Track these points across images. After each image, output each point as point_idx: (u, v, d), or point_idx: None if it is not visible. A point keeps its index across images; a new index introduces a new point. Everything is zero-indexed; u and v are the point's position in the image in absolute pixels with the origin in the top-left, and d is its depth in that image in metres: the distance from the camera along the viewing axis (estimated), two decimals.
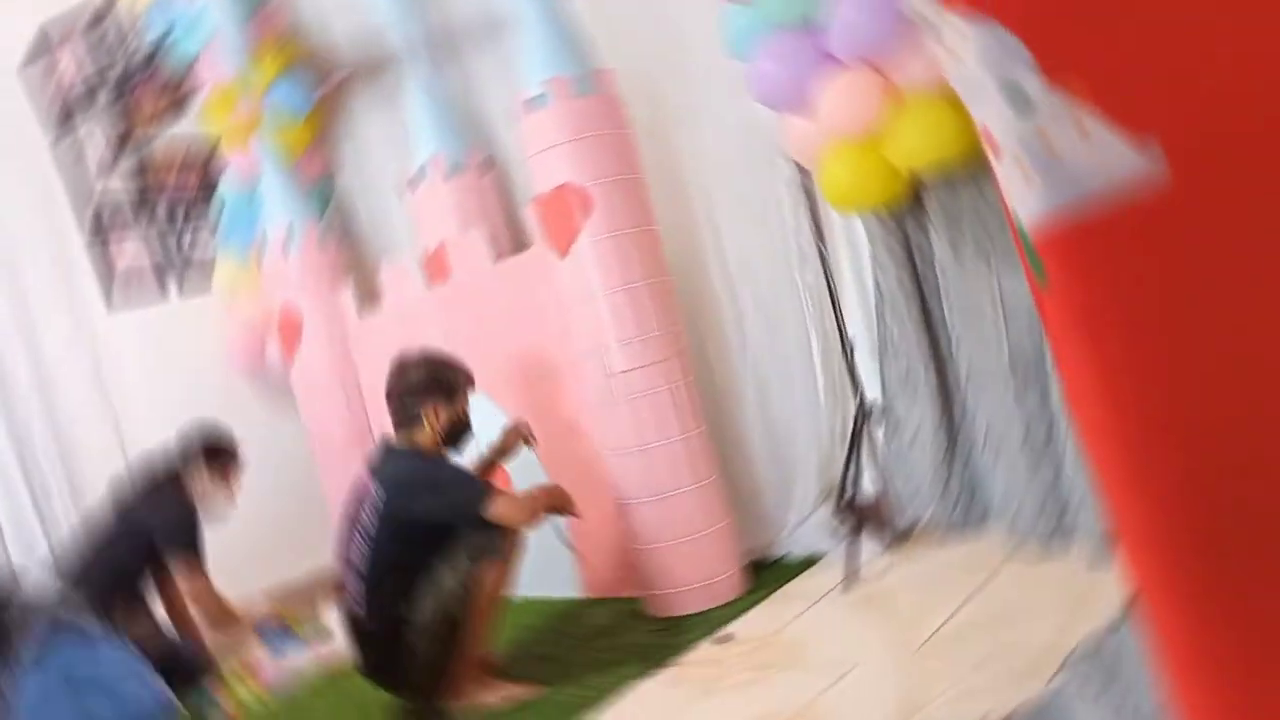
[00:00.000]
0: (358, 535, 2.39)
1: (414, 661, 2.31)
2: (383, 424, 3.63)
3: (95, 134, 3.99)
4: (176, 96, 4.11)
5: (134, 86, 4.03)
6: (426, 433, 2.43)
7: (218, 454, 3.03)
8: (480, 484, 2.40)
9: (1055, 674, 1.73)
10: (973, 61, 0.56)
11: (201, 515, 2.96)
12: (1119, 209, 0.55)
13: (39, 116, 3.89)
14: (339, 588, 2.48)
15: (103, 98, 4.02)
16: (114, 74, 4.02)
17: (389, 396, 2.48)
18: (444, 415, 2.44)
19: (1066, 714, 1.60)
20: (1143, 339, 0.57)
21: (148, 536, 2.85)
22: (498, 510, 2.29)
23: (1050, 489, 2.44)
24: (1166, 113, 0.56)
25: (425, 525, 2.33)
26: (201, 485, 2.99)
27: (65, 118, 3.92)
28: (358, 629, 2.40)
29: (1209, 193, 0.56)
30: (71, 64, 3.95)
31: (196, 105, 4.02)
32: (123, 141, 4.06)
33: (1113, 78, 0.55)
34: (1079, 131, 0.54)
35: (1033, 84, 0.55)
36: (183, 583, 2.92)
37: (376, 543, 2.35)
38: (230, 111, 3.80)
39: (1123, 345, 0.57)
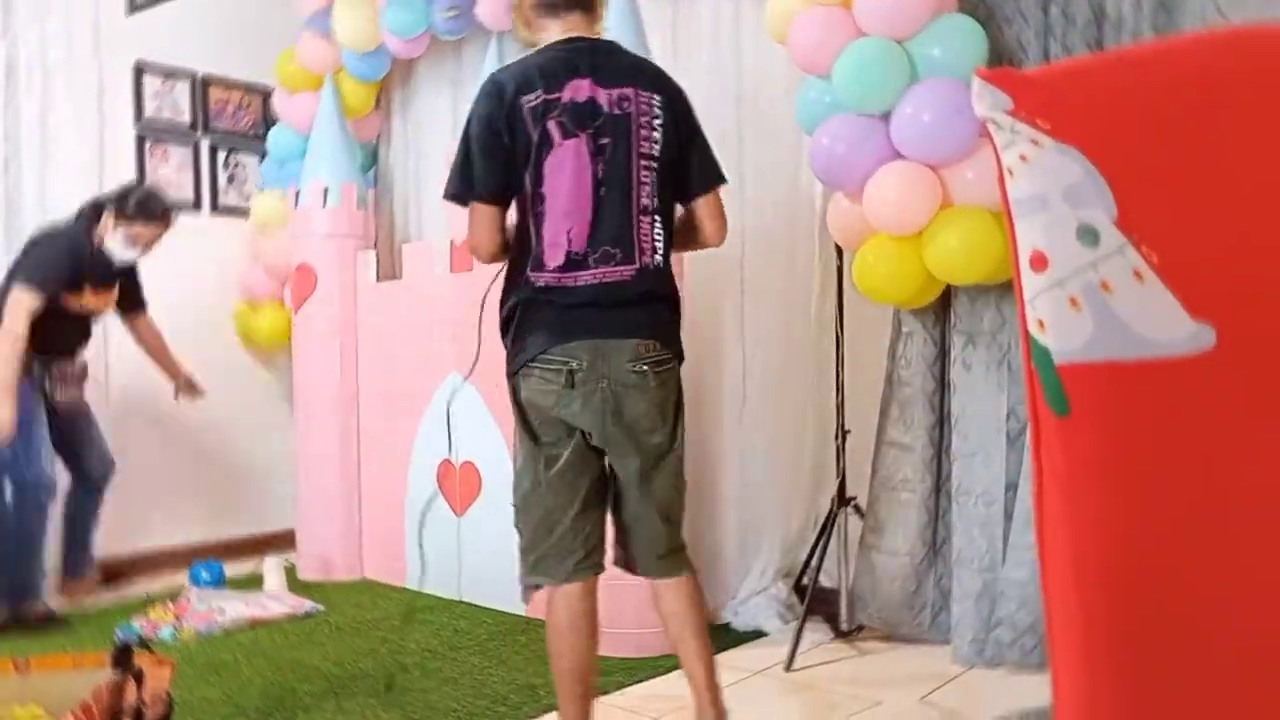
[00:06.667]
0: (640, 167, 1.78)
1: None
2: (371, 392, 3.62)
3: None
4: None
5: None
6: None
7: (125, 201, 3.05)
8: None
9: None
10: (1047, 183, 0.56)
11: (91, 254, 3.03)
12: (1164, 359, 0.56)
13: None
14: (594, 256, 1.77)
15: None
16: None
17: None
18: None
19: None
20: (1160, 481, 0.58)
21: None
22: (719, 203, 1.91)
23: (1006, 618, 2.42)
24: (1227, 296, 0.56)
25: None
26: (104, 228, 3.04)
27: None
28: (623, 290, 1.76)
29: (1252, 365, 0.57)
30: None
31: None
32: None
33: (1183, 250, 0.56)
34: (1136, 279, 0.55)
35: (1104, 223, 0.55)
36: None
37: (660, 163, 1.80)
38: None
39: (1139, 483, 0.58)
